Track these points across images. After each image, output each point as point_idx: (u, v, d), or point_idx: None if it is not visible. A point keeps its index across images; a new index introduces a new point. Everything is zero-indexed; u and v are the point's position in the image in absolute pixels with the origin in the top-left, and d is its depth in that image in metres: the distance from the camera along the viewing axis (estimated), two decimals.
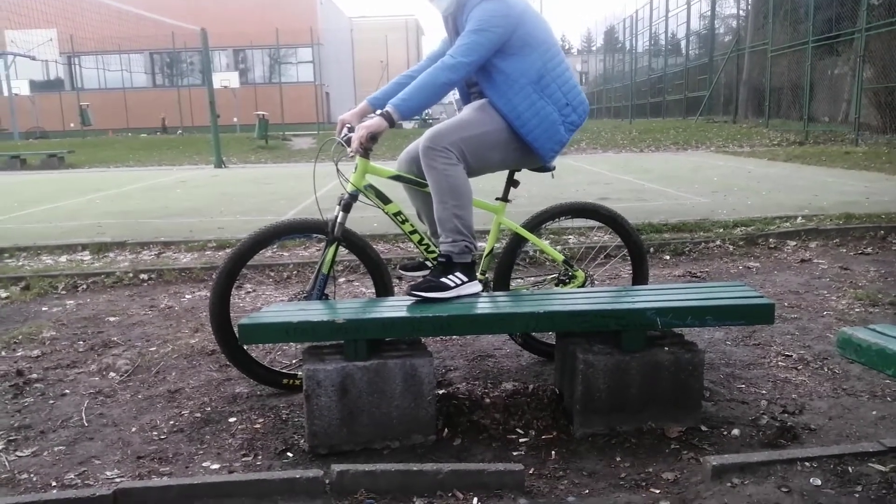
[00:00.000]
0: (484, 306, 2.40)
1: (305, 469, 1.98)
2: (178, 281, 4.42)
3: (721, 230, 5.15)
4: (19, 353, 3.10)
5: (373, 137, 2.41)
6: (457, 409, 2.39)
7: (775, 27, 17.61)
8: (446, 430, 2.25)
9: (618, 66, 38.32)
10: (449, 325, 2.32)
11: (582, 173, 10.23)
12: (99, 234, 5.61)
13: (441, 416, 2.31)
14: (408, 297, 2.40)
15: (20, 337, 3.32)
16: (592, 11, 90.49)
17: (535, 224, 2.85)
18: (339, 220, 2.55)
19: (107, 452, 2.17)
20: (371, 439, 2.18)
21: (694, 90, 24.17)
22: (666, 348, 2.26)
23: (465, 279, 2.46)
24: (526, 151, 2.55)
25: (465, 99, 2.69)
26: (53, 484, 1.98)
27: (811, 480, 1.84)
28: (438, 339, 3.14)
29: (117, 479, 1.99)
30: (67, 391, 2.68)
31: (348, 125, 2.60)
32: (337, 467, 1.89)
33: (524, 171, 2.72)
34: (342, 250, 2.62)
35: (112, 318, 3.65)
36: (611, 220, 2.91)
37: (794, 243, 4.90)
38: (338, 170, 2.60)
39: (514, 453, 2.11)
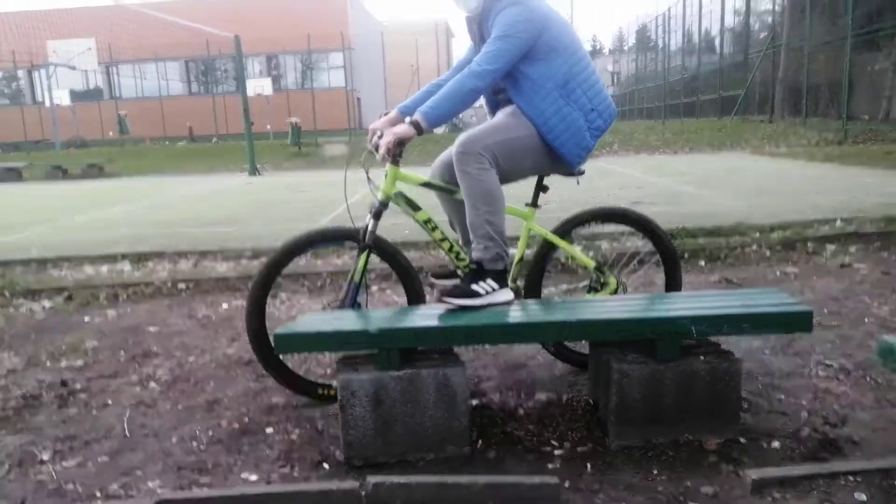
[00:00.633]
0: (516, 315, 2.41)
1: (341, 481, 2.00)
2: (215, 290, 4.50)
3: (757, 234, 5.06)
4: (63, 364, 3.19)
5: (400, 143, 2.42)
6: (490, 420, 2.39)
7: (813, 22, 17.23)
8: (480, 441, 2.25)
9: (650, 65, 37.85)
10: (481, 334, 2.33)
11: (614, 176, 10.14)
12: (138, 244, 5.74)
13: (475, 427, 2.31)
14: (440, 306, 2.41)
15: (64, 347, 3.42)
16: (625, 10, 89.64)
17: (566, 230, 2.83)
18: (369, 227, 2.57)
19: (148, 463, 2.22)
20: (405, 451, 2.19)
21: (728, 89, 23.74)
22: (702, 357, 2.23)
23: (497, 286, 2.46)
24: (554, 157, 2.54)
25: (492, 105, 2.69)
26: (98, 494, 2.04)
27: (855, 495, 1.80)
28: (471, 348, 3.14)
29: (159, 490, 2.04)
30: (110, 401, 2.75)
31: (379, 132, 2.61)
32: (372, 479, 1.91)
33: (555, 176, 2.71)
34: (374, 258, 2.64)
35: (152, 328, 3.73)
36: (642, 224, 2.87)
37: (834, 247, 4.78)
38: (368, 178, 2.61)
39: (550, 466, 2.10)
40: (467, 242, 2.72)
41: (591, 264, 2.86)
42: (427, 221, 2.63)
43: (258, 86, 30.43)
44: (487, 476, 1.97)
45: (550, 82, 2.45)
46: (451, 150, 2.59)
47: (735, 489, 1.90)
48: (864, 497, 1.79)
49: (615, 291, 2.84)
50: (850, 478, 1.87)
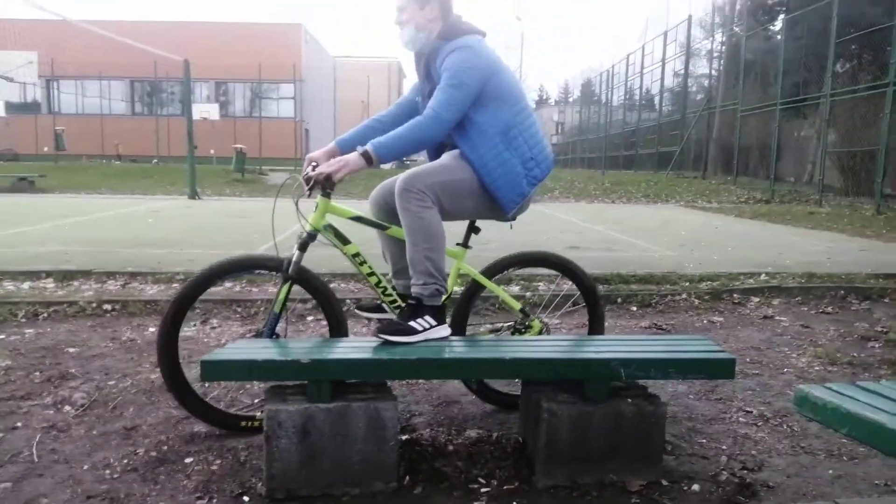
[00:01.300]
0: (451, 351, 2.41)
1: None
2: (143, 313, 4.35)
3: (687, 284, 5.25)
4: None
5: (349, 172, 2.41)
6: (419, 455, 2.37)
7: (745, 88, 18.27)
8: (408, 477, 2.23)
9: (593, 117, 39.25)
10: (415, 368, 2.32)
11: (555, 221, 10.37)
12: (65, 262, 5.51)
13: (403, 462, 2.28)
14: (374, 339, 2.40)
15: None
16: (571, 64, 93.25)
17: (494, 271, 2.88)
18: (294, 258, 2.54)
19: (56, 491, 2.10)
20: (331, 484, 2.14)
21: (666, 145, 24.81)
22: (629, 399, 2.28)
23: (434, 323, 2.46)
24: (493, 201, 2.58)
25: (434, 146, 2.70)
26: None
27: None
28: (404, 382, 3.12)
29: None
30: (20, 424, 2.59)
31: (314, 163, 2.60)
32: None
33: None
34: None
35: (71, 350, 3.57)
36: (564, 267, 2.95)
37: (758, 300, 5.00)
38: (297, 208, 2.58)
39: (475, 503, 2.09)
40: (397, 276, 2.73)
41: (517, 306, 2.89)
42: (356, 255, 2.61)
43: (205, 110, 30.00)
44: None
45: (493, 129, 2.50)
46: (383, 185, 2.62)
47: None
48: None
49: (539, 333, 2.88)
50: None
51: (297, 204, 2.58)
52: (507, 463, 2.32)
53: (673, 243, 7.60)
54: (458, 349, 2.45)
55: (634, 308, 4.80)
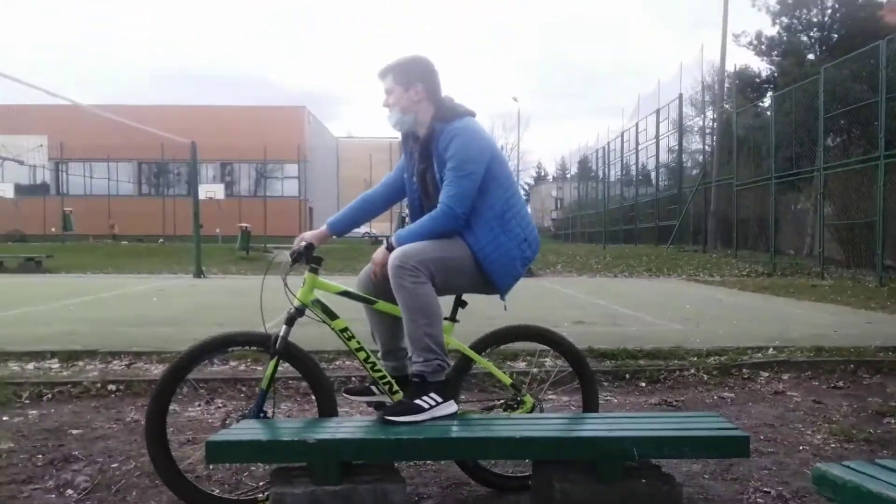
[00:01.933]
0: (460, 430, 2.38)
1: None
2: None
3: (695, 358, 5.20)
4: None
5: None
6: None
7: (740, 163, 18.64)
8: None
9: (591, 193, 39.89)
10: (425, 449, 2.29)
11: (558, 296, 10.38)
12: (70, 342, 5.49)
13: None
14: (380, 419, 2.38)
15: None
16: (567, 141, 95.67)
17: (483, 346, 2.86)
18: (281, 334, 2.54)
19: None
20: None
21: (665, 219, 25.11)
22: (643, 480, 2.23)
23: (440, 399, 2.45)
24: (486, 281, 2.61)
25: (419, 215, 2.73)
26: None
27: None
28: (412, 463, 3.06)
29: None
30: None
31: (303, 241, 2.66)
32: None
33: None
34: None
35: (75, 431, 3.52)
36: (557, 343, 2.92)
37: (767, 374, 4.95)
38: (285, 284, 2.60)
39: None
40: (387, 354, 2.72)
41: (508, 381, 2.85)
42: (344, 330, 2.61)
43: (210, 190, 30.58)
44: None
45: (490, 212, 2.56)
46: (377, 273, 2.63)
47: None
48: None
49: (531, 410, 2.82)
50: None
51: (284, 280, 2.60)
52: None
53: (678, 317, 7.58)
54: (467, 428, 2.42)
55: (643, 384, 4.75)
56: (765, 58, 19.54)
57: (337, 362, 4.95)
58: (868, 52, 12.91)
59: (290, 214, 37.96)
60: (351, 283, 2.74)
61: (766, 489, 2.82)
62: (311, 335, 3.70)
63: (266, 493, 2.46)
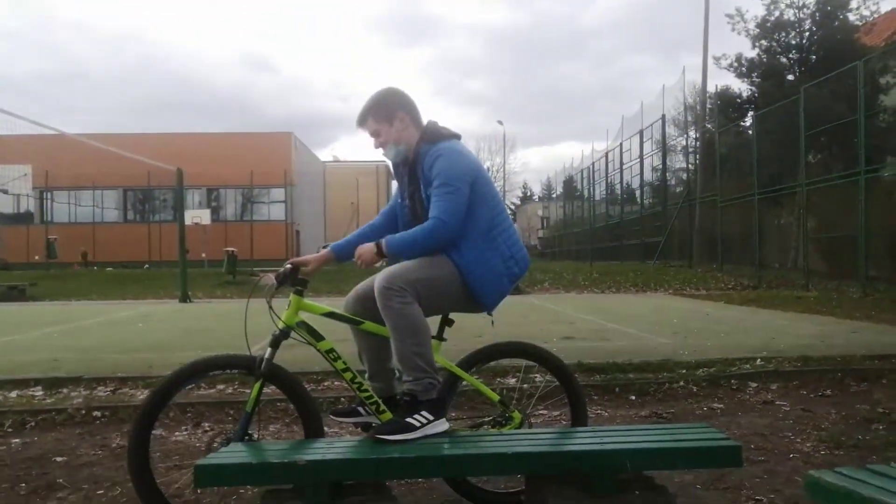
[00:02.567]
0: (452, 447, 2.36)
1: None
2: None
3: (684, 371, 5.21)
4: None
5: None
6: None
7: (723, 179, 18.86)
8: None
9: (577, 212, 40.14)
10: (416, 466, 2.27)
11: (546, 312, 10.39)
12: (53, 369, 5.42)
13: None
14: (370, 438, 2.35)
15: None
16: (552, 162, 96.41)
17: (471, 364, 2.85)
18: (266, 356, 2.52)
19: None
20: None
21: (650, 236, 25.27)
22: (637, 492, 2.22)
23: (432, 417, 2.43)
24: (473, 298, 2.61)
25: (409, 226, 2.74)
26: None
27: None
28: (404, 482, 3.03)
29: None
30: None
31: (291, 265, 2.63)
32: None
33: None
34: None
35: (59, 458, 3.46)
36: (544, 359, 2.92)
37: (756, 385, 4.97)
38: (269, 306, 2.58)
39: None
40: (375, 375, 2.70)
41: (496, 398, 2.84)
42: (329, 351, 2.59)
43: (196, 216, 30.38)
44: None
45: (476, 230, 2.57)
46: (364, 285, 2.64)
47: None
48: None
49: (520, 426, 2.81)
50: None
51: (269, 302, 2.58)
52: None
53: (665, 331, 7.60)
54: (458, 445, 2.40)
55: (633, 397, 4.75)
56: (745, 79, 19.80)
57: (325, 383, 4.91)
58: (846, 72, 13.19)
59: (277, 238, 37.82)
60: (338, 304, 2.73)
61: (758, 497, 2.82)
62: (297, 357, 3.68)
63: None
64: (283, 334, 2.55)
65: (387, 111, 2.65)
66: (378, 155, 2.88)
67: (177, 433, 3.94)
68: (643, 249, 25.41)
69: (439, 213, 2.51)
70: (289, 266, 2.61)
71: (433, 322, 2.65)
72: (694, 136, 24.27)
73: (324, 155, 55.87)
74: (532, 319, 9.11)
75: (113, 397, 4.69)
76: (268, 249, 35.35)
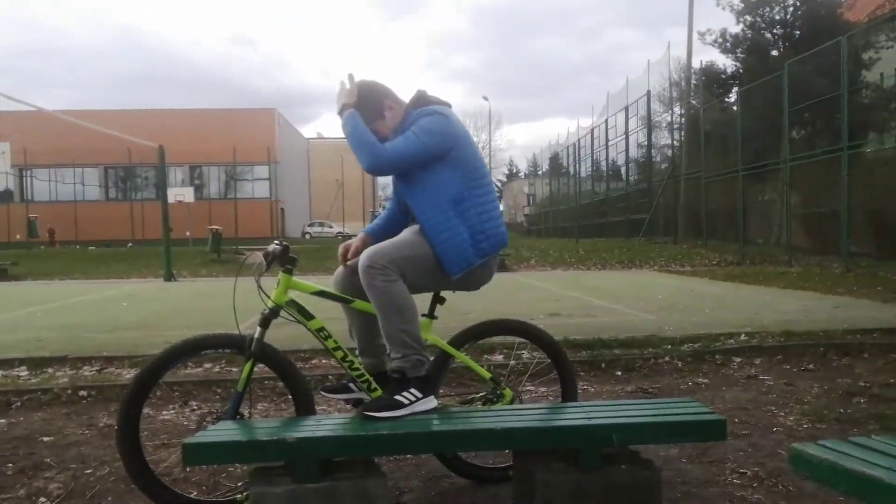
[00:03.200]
0: (441, 423, 2.37)
1: None
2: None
3: (669, 346, 5.27)
4: None
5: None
6: None
7: (707, 157, 18.93)
8: None
9: (563, 189, 40.16)
10: (405, 442, 2.28)
11: (532, 289, 10.43)
12: (38, 349, 5.37)
13: None
14: (360, 415, 2.36)
15: None
16: (538, 138, 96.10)
17: (462, 341, 2.86)
18: (256, 335, 2.51)
19: None
20: None
21: (635, 213, 25.37)
22: (623, 466, 2.25)
23: (420, 395, 2.44)
24: (443, 268, 2.58)
25: (405, 210, 2.73)
26: None
27: None
28: (392, 458, 3.05)
29: None
30: None
31: (279, 244, 2.62)
32: None
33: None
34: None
35: (46, 438, 3.44)
36: (534, 336, 2.93)
37: (740, 360, 5.03)
38: (258, 285, 2.57)
39: None
40: (364, 353, 2.71)
41: (487, 376, 2.86)
42: (320, 330, 2.58)
43: (179, 194, 30.07)
44: None
45: (445, 196, 2.54)
46: (351, 262, 2.63)
47: None
48: None
49: (511, 402, 2.83)
50: None
51: (258, 281, 2.56)
52: None
53: (651, 307, 7.67)
54: (447, 421, 2.42)
55: (619, 373, 4.79)
56: (730, 55, 19.82)
57: (313, 361, 4.91)
58: (830, 47, 13.19)
59: (262, 216, 37.59)
60: (324, 282, 2.72)
61: (742, 470, 2.87)
62: (287, 335, 3.67)
63: (245, 494, 2.43)
64: (273, 313, 2.53)
65: (372, 106, 2.62)
66: None
67: (164, 412, 3.93)
68: (629, 226, 25.53)
69: (390, 145, 2.51)
70: (278, 244, 2.59)
71: (424, 300, 2.64)
72: (679, 112, 24.27)
73: (307, 131, 55.31)
74: (519, 297, 9.15)
75: (99, 377, 4.67)
76: (253, 227, 35.16)
